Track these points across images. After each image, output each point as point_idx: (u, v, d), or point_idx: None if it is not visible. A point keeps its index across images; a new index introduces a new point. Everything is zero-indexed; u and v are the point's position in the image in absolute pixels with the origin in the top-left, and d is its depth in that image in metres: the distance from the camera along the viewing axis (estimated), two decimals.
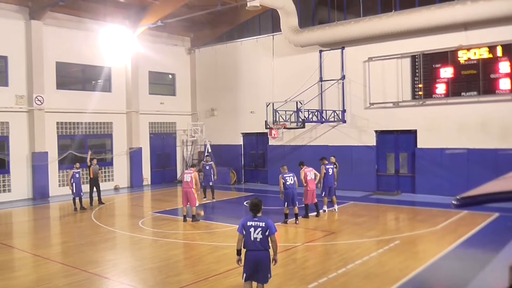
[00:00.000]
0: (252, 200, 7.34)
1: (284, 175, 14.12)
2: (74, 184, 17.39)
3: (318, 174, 15.22)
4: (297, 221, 14.08)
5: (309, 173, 14.78)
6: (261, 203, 7.31)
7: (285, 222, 14.02)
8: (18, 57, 20.23)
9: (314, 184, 14.78)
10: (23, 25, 20.43)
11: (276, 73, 23.62)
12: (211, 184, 19.07)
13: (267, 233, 7.04)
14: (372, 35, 19.73)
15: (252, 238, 7.06)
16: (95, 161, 18.76)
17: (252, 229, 7.08)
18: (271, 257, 7.20)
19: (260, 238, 7.04)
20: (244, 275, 7.14)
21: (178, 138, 27.18)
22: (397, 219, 15.77)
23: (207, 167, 19.10)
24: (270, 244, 7.10)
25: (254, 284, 7.22)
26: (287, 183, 13.99)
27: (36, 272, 9.98)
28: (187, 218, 14.77)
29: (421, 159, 19.39)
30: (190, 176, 14.63)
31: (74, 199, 17.45)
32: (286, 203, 14.04)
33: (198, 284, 8.80)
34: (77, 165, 18.10)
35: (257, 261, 7.07)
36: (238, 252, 7.21)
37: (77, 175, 17.57)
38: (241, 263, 7.20)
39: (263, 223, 7.07)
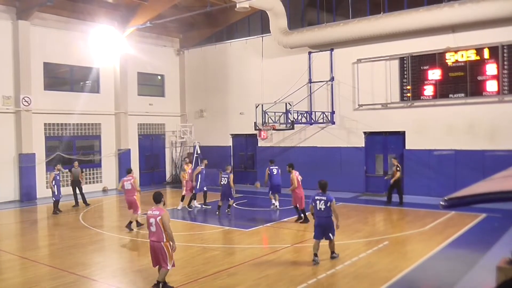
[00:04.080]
0: (320, 181, 10.33)
1: (271, 167, 16.67)
2: (55, 186, 17.07)
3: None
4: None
5: (298, 177, 14.76)
6: (327, 183, 10.29)
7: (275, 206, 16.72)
8: (5, 57, 20.00)
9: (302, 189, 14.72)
10: (10, 25, 20.21)
11: (265, 74, 23.64)
12: (205, 189, 17.83)
13: (328, 204, 9.93)
14: (361, 37, 19.83)
15: (318, 208, 10.04)
16: (76, 164, 18.59)
17: (318, 201, 10.04)
18: (334, 222, 10.06)
19: (324, 208, 9.98)
20: (314, 234, 10.09)
21: (167, 139, 27.07)
22: (386, 220, 15.84)
23: (204, 172, 18.30)
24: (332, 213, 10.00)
25: None
26: (274, 173, 16.50)
27: (23, 275, 9.88)
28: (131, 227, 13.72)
29: (410, 160, 19.50)
30: (130, 183, 13.78)
31: (54, 202, 17.14)
32: (270, 191, 16.82)
33: (187, 286, 8.76)
34: (58, 166, 17.85)
35: (320, 224, 10.02)
36: (312, 215, 10.41)
37: (58, 177, 17.30)
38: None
39: (325, 197, 10.03)
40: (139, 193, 13.97)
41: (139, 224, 13.91)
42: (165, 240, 8.10)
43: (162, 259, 8.19)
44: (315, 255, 9.91)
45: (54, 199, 17.14)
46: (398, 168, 17.41)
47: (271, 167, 16.70)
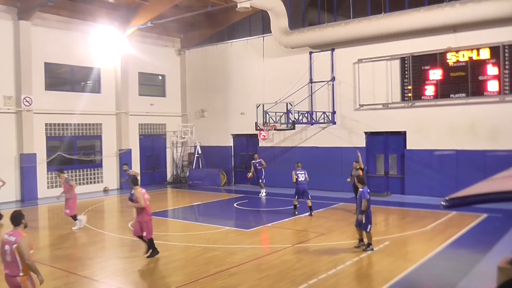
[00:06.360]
0: (361, 177, 11.61)
1: (297, 171, 15.28)
2: None
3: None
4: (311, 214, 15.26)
5: (146, 196, 10.94)
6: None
7: (294, 214, 15.45)
8: (6, 57, 20.01)
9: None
10: (11, 26, 20.22)
11: (266, 74, 23.62)
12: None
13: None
14: (361, 36, 19.82)
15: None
16: None
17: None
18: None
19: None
20: (370, 226, 11.16)
21: (168, 139, 27.06)
22: (387, 220, 15.83)
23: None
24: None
25: None
26: (299, 179, 15.16)
27: None
28: None
29: (411, 160, 19.50)
30: None
31: None
32: (296, 196, 15.44)
33: (188, 286, 8.76)
34: None
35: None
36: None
37: None
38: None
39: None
40: None
41: None
42: (21, 273, 6.36)
43: None
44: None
45: None
46: (361, 170, 16.16)
47: (297, 171, 16.29)
